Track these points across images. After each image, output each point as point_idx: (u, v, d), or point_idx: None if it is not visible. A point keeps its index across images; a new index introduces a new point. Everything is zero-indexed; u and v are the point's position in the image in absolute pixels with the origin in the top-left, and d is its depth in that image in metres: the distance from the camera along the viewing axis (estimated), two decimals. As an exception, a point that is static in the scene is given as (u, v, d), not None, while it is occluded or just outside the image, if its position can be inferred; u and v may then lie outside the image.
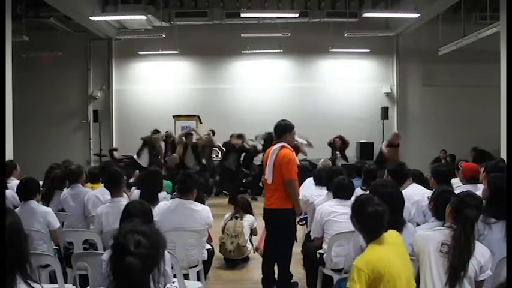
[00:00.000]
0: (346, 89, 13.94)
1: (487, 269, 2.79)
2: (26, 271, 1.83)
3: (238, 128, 12.79)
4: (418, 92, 13.99)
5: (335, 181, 4.61)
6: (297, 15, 11.76)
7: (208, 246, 4.74)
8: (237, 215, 6.03)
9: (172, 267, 3.13)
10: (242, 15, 11.60)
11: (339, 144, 11.21)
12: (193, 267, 4.29)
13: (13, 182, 5.98)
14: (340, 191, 4.47)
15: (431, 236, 2.89)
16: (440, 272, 2.76)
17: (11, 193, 5.29)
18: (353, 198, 4.68)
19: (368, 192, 3.73)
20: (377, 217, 2.72)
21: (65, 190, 5.49)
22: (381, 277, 2.56)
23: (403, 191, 4.73)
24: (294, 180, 4.65)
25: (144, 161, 9.98)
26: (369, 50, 13.52)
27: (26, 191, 4.54)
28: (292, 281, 4.98)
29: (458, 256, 2.73)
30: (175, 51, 13.18)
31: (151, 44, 13.15)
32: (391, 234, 2.77)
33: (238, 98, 13.77)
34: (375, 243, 2.68)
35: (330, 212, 4.31)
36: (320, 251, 4.42)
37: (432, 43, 12.38)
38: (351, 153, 12.90)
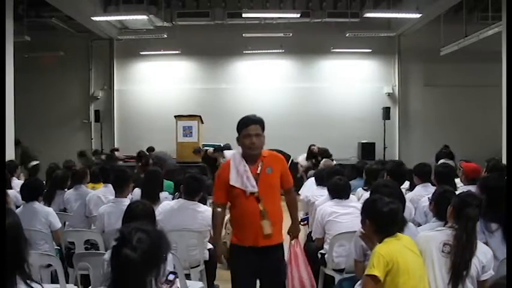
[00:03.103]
0: (348, 89, 13.92)
1: (489, 269, 2.81)
2: (25, 271, 1.84)
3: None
4: (420, 92, 13.96)
5: (332, 182, 4.62)
6: (298, 15, 11.75)
7: (210, 246, 4.74)
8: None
9: (174, 267, 3.13)
10: (244, 15, 11.60)
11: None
12: (195, 267, 4.29)
13: (15, 182, 6.00)
14: (337, 191, 4.49)
15: (433, 236, 2.91)
16: (442, 272, 2.78)
17: (14, 193, 5.31)
18: (354, 197, 4.75)
19: (369, 192, 3.74)
20: (392, 215, 2.79)
21: (69, 191, 5.51)
22: (397, 269, 2.61)
23: (410, 194, 4.78)
24: (214, 203, 3.53)
25: None
26: (370, 50, 13.50)
27: (30, 192, 4.57)
28: None
29: (460, 255, 2.75)
30: (177, 52, 13.19)
31: (153, 44, 13.14)
32: (404, 236, 2.83)
33: (239, 98, 13.75)
34: (392, 238, 2.74)
35: (330, 212, 4.32)
36: (321, 251, 4.42)
37: (434, 43, 12.36)
38: (352, 153, 12.93)
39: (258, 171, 3.35)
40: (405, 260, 2.65)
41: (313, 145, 11.58)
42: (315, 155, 11.27)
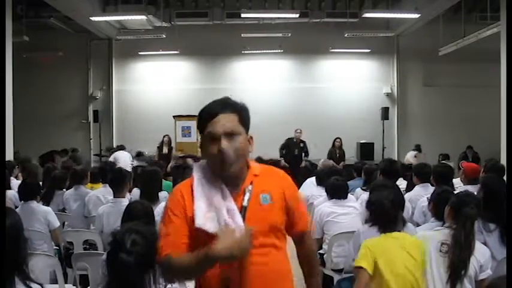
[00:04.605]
0: (347, 89, 13.92)
1: (487, 269, 2.81)
2: (24, 271, 1.84)
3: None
4: (419, 92, 13.97)
5: (329, 182, 4.63)
6: (297, 15, 11.76)
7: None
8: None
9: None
10: (242, 15, 11.60)
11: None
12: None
13: (13, 183, 6.00)
14: (334, 191, 4.50)
15: (431, 236, 2.91)
16: (440, 272, 2.78)
17: (13, 193, 5.31)
18: (352, 197, 4.76)
19: (369, 192, 3.74)
20: (381, 209, 2.78)
21: (68, 191, 5.52)
22: (380, 267, 2.58)
23: (409, 194, 4.78)
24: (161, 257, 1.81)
25: None
26: (369, 50, 13.50)
27: (27, 192, 4.57)
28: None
29: (458, 254, 2.75)
30: (176, 52, 13.18)
31: (151, 44, 13.14)
32: (405, 237, 2.77)
33: (238, 98, 13.65)
34: (388, 235, 2.72)
35: (329, 212, 4.32)
36: (320, 251, 4.42)
37: (433, 43, 12.37)
38: (351, 153, 12.92)
39: (245, 203, 1.85)
40: (390, 258, 2.61)
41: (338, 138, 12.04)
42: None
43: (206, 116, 1.84)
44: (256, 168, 1.94)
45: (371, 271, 2.59)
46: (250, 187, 1.88)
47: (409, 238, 2.79)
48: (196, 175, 1.89)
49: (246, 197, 1.86)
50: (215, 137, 1.79)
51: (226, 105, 1.87)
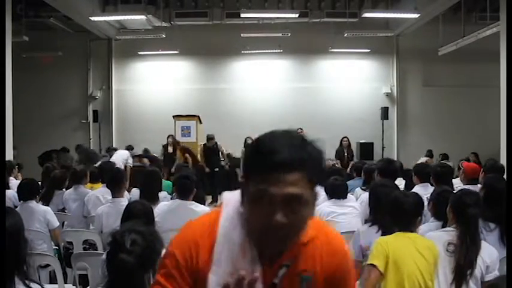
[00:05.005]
0: (346, 89, 13.93)
1: (494, 270, 2.77)
2: (23, 271, 1.84)
3: (238, 128, 12.82)
4: (418, 92, 13.98)
5: (329, 182, 4.63)
6: (296, 15, 11.76)
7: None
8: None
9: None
10: (242, 15, 11.60)
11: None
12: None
13: (12, 182, 6.00)
14: (334, 191, 4.49)
15: (438, 236, 2.90)
16: (446, 272, 2.76)
17: (12, 193, 5.31)
18: (352, 197, 4.76)
19: (368, 192, 3.74)
20: (394, 205, 2.81)
21: (68, 191, 5.52)
22: (392, 265, 2.57)
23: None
24: None
25: None
26: (368, 50, 13.51)
27: (26, 192, 4.57)
28: None
29: (464, 254, 2.73)
30: (175, 52, 13.18)
31: (151, 44, 13.14)
32: (420, 239, 2.75)
33: (238, 98, 13.77)
34: (403, 235, 2.71)
35: (328, 212, 4.32)
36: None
37: (432, 43, 12.37)
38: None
39: (276, 280, 1.38)
40: (402, 257, 2.59)
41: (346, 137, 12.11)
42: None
43: (261, 166, 1.27)
44: (310, 230, 1.40)
45: (383, 269, 2.56)
46: (288, 261, 1.38)
47: (422, 239, 2.77)
48: (224, 217, 1.40)
49: (281, 273, 1.38)
50: (271, 200, 1.26)
51: (295, 159, 1.27)
